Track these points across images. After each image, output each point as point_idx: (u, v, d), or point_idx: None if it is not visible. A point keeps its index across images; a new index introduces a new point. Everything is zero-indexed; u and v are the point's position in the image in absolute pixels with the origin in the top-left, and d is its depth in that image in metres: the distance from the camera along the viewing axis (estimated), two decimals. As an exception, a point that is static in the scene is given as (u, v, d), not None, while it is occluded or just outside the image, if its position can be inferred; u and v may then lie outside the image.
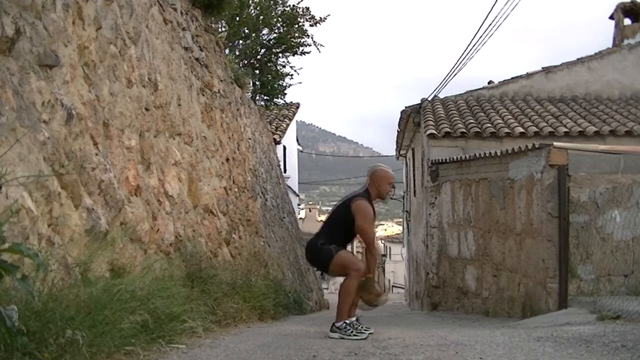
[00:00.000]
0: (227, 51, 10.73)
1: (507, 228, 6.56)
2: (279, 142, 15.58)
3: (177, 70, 5.23)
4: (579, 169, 5.28)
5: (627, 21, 13.60)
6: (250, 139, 8.78)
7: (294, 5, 13.38)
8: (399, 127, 13.78)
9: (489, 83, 13.13)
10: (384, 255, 37.67)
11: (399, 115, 12.95)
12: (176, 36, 5.36)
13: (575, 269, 5.09)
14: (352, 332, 3.86)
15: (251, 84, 12.17)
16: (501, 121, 10.75)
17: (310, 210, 39.29)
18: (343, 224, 4.16)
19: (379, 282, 4.28)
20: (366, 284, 4.13)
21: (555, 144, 5.40)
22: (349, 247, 4.44)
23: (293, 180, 20.16)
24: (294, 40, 13.49)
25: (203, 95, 6.08)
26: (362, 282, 4.09)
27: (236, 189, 7.04)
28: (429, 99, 12.40)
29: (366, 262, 4.22)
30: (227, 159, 6.77)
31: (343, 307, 4.01)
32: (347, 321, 3.95)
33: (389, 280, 35.76)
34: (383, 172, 4.28)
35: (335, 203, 4.57)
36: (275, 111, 16.80)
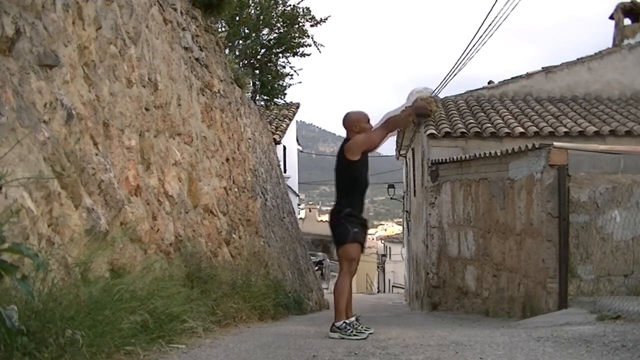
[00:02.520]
0: (227, 51, 10.72)
1: (507, 228, 6.56)
2: (279, 142, 15.57)
3: (177, 70, 5.23)
4: (579, 169, 5.28)
5: (627, 21, 13.60)
6: (250, 139, 8.77)
7: (294, 6, 13.39)
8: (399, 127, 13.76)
9: (489, 83, 13.13)
10: (384, 256, 37.66)
11: (398, 115, 12.94)
12: (176, 36, 5.36)
13: (575, 269, 5.09)
14: (352, 331, 3.86)
15: (251, 84, 12.17)
16: (501, 121, 10.75)
17: (310, 210, 39.26)
18: (350, 177, 4.14)
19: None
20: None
21: (555, 144, 5.40)
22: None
23: (293, 180, 20.16)
24: (294, 41, 13.49)
25: (203, 95, 6.08)
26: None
27: (236, 189, 7.04)
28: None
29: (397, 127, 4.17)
30: (227, 159, 6.77)
31: (340, 306, 4.02)
32: (347, 321, 3.95)
33: (389, 280, 35.75)
34: (355, 116, 4.27)
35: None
36: (275, 111, 16.80)
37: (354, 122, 4.21)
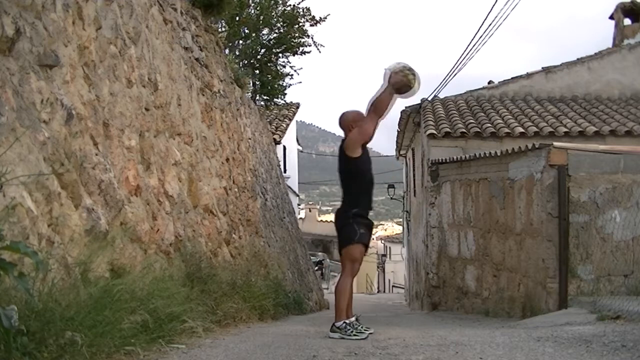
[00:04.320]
0: (227, 51, 10.72)
1: (507, 228, 6.56)
2: (279, 142, 15.57)
3: (177, 70, 5.23)
4: (579, 169, 5.28)
5: (627, 21, 13.59)
6: (250, 139, 8.77)
7: (294, 5, 13.38)
8: (398, 127, 13.78)
9: (489, 83, 13.13)
10: (384, 256, 37.64)
11: (398, 115, 12.96)
12: (176, 36, 5.36)
13: (575, 269, 5.08)
14: (352, 332, 3.86)
15: (251, 84, 12.16)
16: (501, 121, 10.74)
17: (310, 210, 39.26)
18: (355, 176, 4.14)
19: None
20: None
21: (555, 144, 5.40)
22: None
23: (293, 180, 20.16)
24: (294, 41, 13.49)
25: (203, 95, 6.08)
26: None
27: (236, 189, 7.04)
28: (429, 99, 12.40)
29: (384, 108, 4.13)
30: (227, 159, 6.77)
31: (340, 306, 4.02)
32: (347, 321, 3.95)
33: (389, 280, 35.74)
34: (351, 115, 4.28)
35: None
36: (275, 111, 16.79)
37: (351, 121, 4.22)
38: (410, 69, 4.13)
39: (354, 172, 4.16)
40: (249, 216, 7.53)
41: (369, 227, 4.22)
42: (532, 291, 5.65)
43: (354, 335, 3.83)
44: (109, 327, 2.40)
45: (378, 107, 4.13)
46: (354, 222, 4.08)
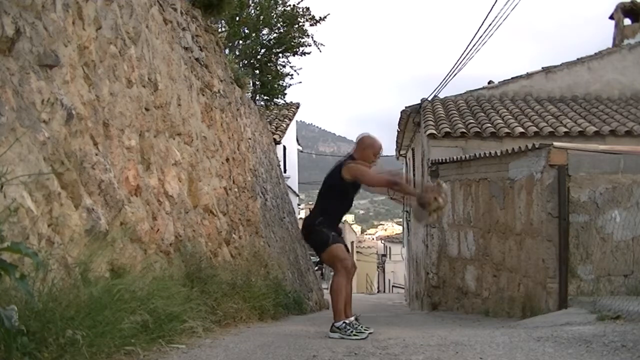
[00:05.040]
0: (227, 51, 10.72)
1: (507, 228, 6.56)
2: (279, 142, 15.57)
3: (177, 70, 5.23)
4: (579, 169, 5.28)
5: (627, 21, 13.60)
6: (250, 139, 8.77)
7: (294, 5, 13.39)
8: (399, 127, 13.78)
9: (489, 83, 13.13)
10: (384, 256, 37.65)
11: (398, 115, 12.96)
12: (176, 36, 5.36)
13: (575, 269, 5.08)
14: (352, 331, 3.86)
15: (251, 84, 12.17)
16: (501, 121, 10.74)
17: (310, 210, 39.18)
18: (336, 193, 4.13)
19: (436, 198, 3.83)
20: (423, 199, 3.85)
21: (555, 144, 5.40)
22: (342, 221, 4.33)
23: (293, 180, 20.15)
24: (294, 40, 13.49)
25: (203, 95, 6.08)
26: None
27: (236, 189, 7.04)
28: (429, 99, 12.40)
29: (402, 191, 4.04)
30: (227, 159, 6.76)
31: (338, 306, 4.02)
32: (347, 321, 3.95)
33: (389, 280, 35.74)
34: (370, 141, 4.27)
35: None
36: (275, 111, 16.80)
37: (366, 146, 4.22)
38: (444, 200, 3.88)
39: (340, 190, 4.14)
40: (249, 216, 7.53)
41: (339, 233, 4.23)
42: (532, 291, 5.65)
43: (354, 335, 3.83)
44: (109, 327, 2.40)
45: (398, 186, 4.05)
46: (322, 228, 4.08)
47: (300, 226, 15.89)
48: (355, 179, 4.10)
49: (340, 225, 4.38)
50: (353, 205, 4.62)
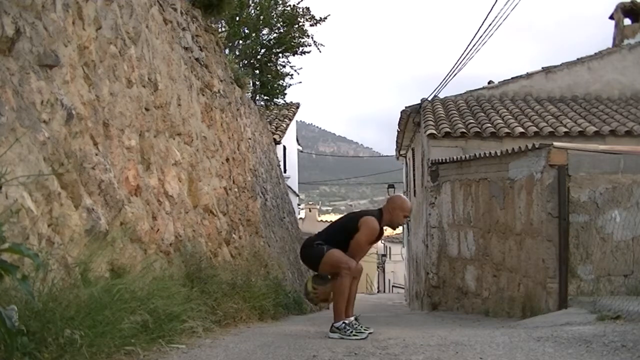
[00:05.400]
0: (227, 51, 10.72)
1: (507, 228, 6.56)
2: (279, 142, 15.57)
3: (177, 70, 5.23)
4: (579, 169, 5.28)
5: (627, 21, 13.59)
6: (250, 139, 8.78)
7: (294, 5, 13.39)
8: (399, 127, 13.78)
9: (489, 83, 13.13)
10: (384, 256, 37.64)
11: (398, 115, 12.96)
12: (176, 36, 5.36)
13: (575, 269, 5.08)
14: (351, 332, 3.86)
15: (251, 84, 12.16)
16: (501, 121, 10.75)
17: (310, 210, 39.25)
18: (345, 233, 4.16)
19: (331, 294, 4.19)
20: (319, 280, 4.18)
21: (555, 144, 5.40)
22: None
23: (293, 180, 20.16)
24: (294, 40, 13.49)
25: (203, 95, 6.08)
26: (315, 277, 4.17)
27: (236, 189, 7.04)
28: (429, 99, 12.40)
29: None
30: (227, 159, 6.77)
31: (339, 307, 4.01)
32: (346, 321, 3.95)
33: (389, 280, 35.75)
34: (400, 202, 4.34)
35: (344, 213, 4.56)
36: (275, 111, 16.80)
37: (396, 207, 4.27)
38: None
39: (350, 236, 4.16)
40: (249, 216, 7.53)
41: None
42: (532, 291, 5.65)
43: (354, 335, 3.83)
44: (109, 327, 2.40)
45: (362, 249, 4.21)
46: (317, 246, 4.14)
47: (299, 226, 15.86)
48: (357, 239, 4.13)
49: None
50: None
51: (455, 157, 8.90)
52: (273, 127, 15.78)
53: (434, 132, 10.33)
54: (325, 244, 4.12)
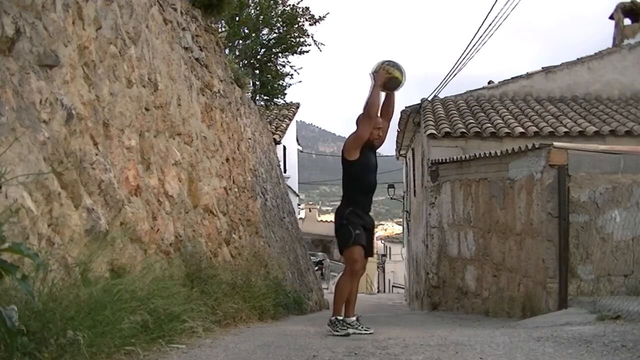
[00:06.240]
0: (227, 51, 10.72)
1: (507, 228, 6.56)
2: (279, 142, 15.57)
3: (177, 70, 5.23)
4: (579, 169, 5.28)
5: (627, 21, 13.59)
6: (250, 139, 8.77)
7: (293, 5, 13.40)
8: (398, 127, 13.78)
9: (489, 83, 13.13)
10: (384, 256, 37.63)
11: (398, 115, 12.97)
12: (176, 36, 5.36)
13: (575, 269, 5.08)
14: (337, 328, 3.95)
15: (251, 84, 12.17)
16: (501, 121, 10.75)
17: (310, 210, 39.26)
18: (349, 177, 4.20)
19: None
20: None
21: (555, 144, 5.40)
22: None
23: (293, 180, 20.16)
24: (294, 40, 13.50)
25: (203, 95, 6.08)
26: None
27: (236, 189, 7.04)
28: (429, 98, 12.40)
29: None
30: (227, 159, 6.77)
31: (337, 304, 4.16)
32: (339, 317, 4.05)
33: (389, 280, 35.74)
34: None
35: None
36: (275, 111, 16.80)
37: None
38: (389, 63, 4.21)
39: (351, 174, 4.20)
40: (249, 216, 7.53)
41: (367, 226, 4.22)
42: (532, 291, 5.65)
43: (336, 331, 3.94)
44: (109, 327, 2.40)
45: (366, 108, 4.18)
46: (348, 224, 4.10)
47: (299, 226, 15.89)
48: (354, 149, 4.15)
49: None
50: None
51: (455, 157, 8.90)
52: (273, 127, 15.78)
53: (434, 132, 10.33)
54: (355, 215, 4.11)
